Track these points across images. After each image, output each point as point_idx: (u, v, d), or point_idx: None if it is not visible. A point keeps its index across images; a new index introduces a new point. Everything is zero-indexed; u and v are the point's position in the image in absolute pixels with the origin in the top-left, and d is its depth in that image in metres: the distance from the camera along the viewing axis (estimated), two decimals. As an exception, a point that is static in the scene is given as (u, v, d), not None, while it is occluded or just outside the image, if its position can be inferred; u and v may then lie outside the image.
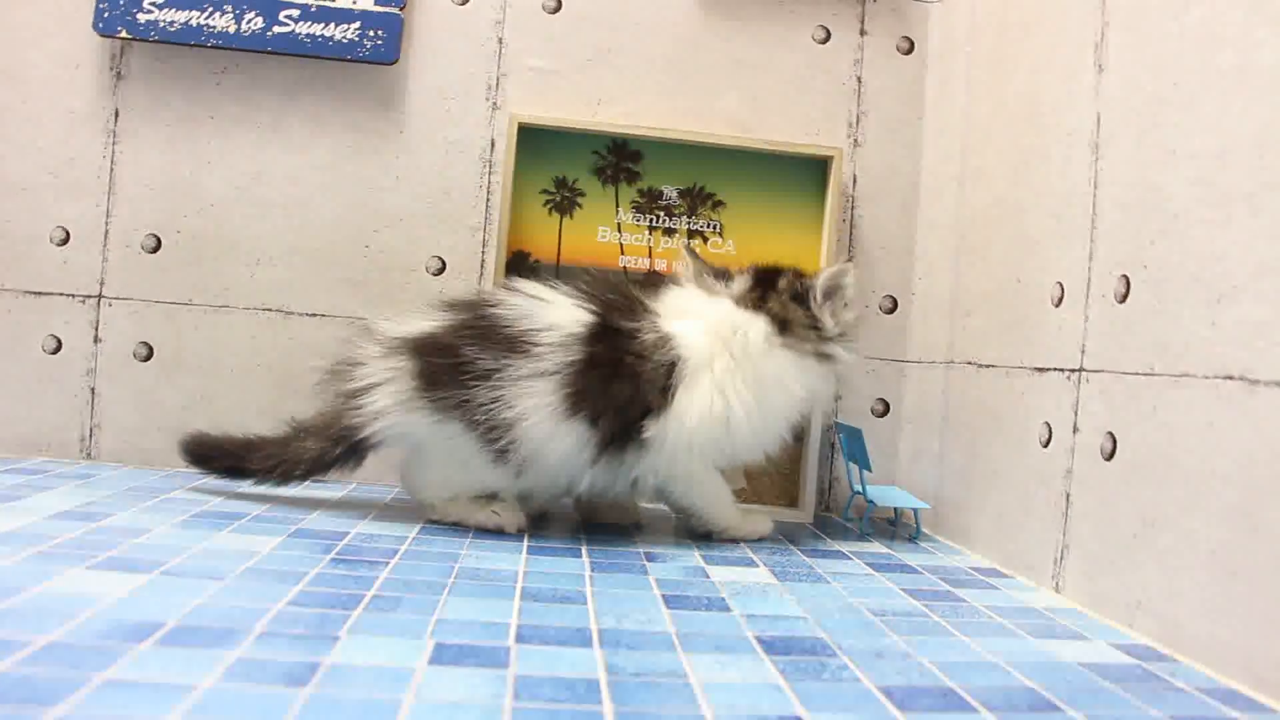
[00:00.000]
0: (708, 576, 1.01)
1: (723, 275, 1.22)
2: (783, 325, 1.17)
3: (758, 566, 1.08)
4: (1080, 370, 1.03)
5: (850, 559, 1.15)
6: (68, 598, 0.78)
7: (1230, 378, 0.81)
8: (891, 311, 1.45)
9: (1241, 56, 0.83)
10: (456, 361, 1.09)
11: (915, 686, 0.73)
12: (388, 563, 0.97)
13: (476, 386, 1.08)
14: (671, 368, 1.11)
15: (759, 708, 0.66)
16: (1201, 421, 0.84)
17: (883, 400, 1.45)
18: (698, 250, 1.36)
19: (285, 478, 1.18)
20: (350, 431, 1.13)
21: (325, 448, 1.15)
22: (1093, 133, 1.04)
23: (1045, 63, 1.16)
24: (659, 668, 0.73)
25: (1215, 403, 0.82)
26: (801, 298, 1.20)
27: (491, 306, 1.13)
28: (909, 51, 1.45)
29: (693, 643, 0.79)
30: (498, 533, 1.13)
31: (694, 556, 1.10)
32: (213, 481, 1.30)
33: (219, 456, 1.23)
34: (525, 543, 1.11)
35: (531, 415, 1.07)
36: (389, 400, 1.11)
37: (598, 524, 1.25)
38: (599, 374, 1.09)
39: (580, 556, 1.06)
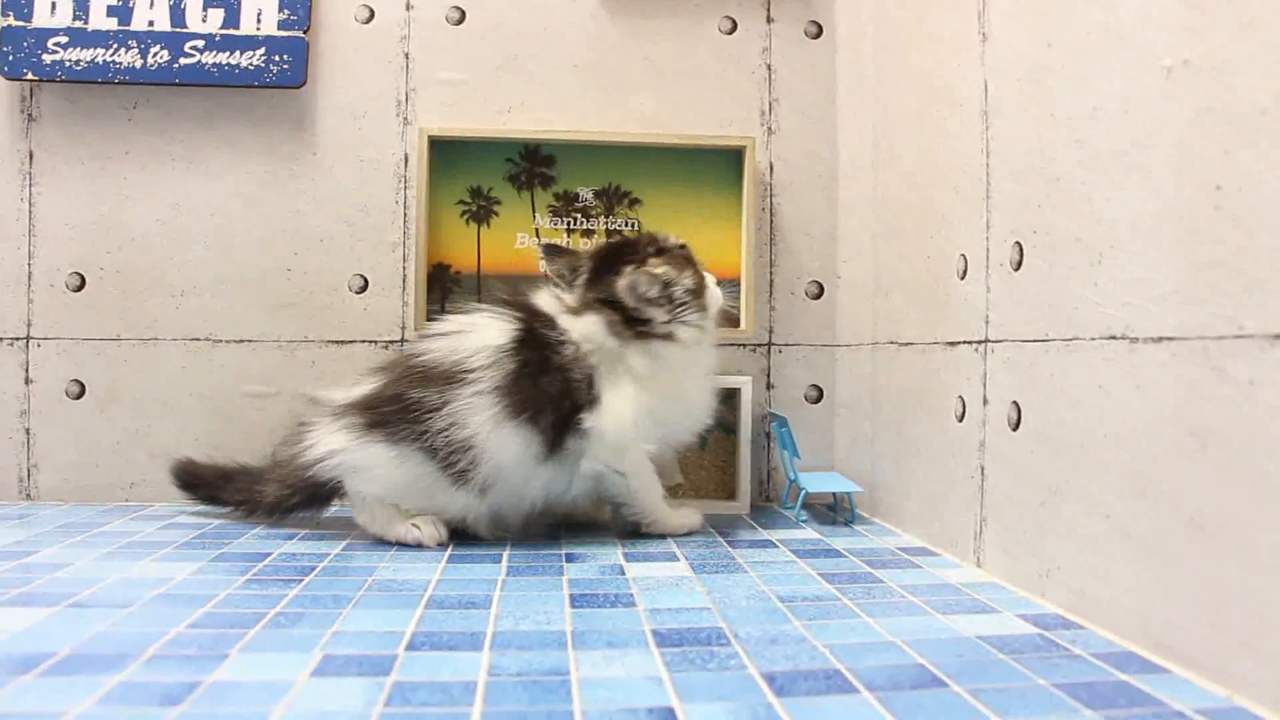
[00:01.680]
0: (624, 574, 1.01)
1: (572, 274, 1.23)
2: (618, 328, 1.17)
3: (678, 560, 1.07)
4: (986, 341, 1.02)
5: (777, 547, 1.15)
6: (-37, 635, 0.78)
7: (1114, 338, 0.80)
8: (818, 297, 1.44)
9: (1106, 14, 0.83)
10: (404, 405, 1.12)
11: (800, 670, 0.72)
12: (302, 580, 0.97)
13: (429, 419, 1.10)
14: (591, 378, 1.15)
15: (633, 701, 0.66)
16: (1092, 384, 0.83)
17: (816, 386, 1.44)
18: (558, 245, 1.37)
19: (250, 514, 1.25)
20: (303, 472, 1.17)
21: (284, 495, 1.20)
22: (982, 101, 1.03)
23: (939, 35, 1.15)
24: (542, 667, 0.72)
25: (1102, 364, 0.82)
26: (614, 302, 1.18)
27: (419, 356, 1.16)
28: (818, 36, 1.44)
29: (586, 640, 0.79)
30: (418, 547, 1.14)
31: (616, 555, 1.10)
32: (150, 512, 1.31)
33: (200, 485, 1.30)
34: (448, 552, 1.10)
35: (482, 429, 1.10)
36: (343, 439, 1.14)
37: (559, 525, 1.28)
38: (530, 377, 1.13)
39: (500, 562, 1.06)
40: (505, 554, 1.10)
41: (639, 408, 1.16)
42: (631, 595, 0.92)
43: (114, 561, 1.04)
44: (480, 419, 1.10)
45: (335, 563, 1.05)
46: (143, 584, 0.95)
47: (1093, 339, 0.83)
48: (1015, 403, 0.96)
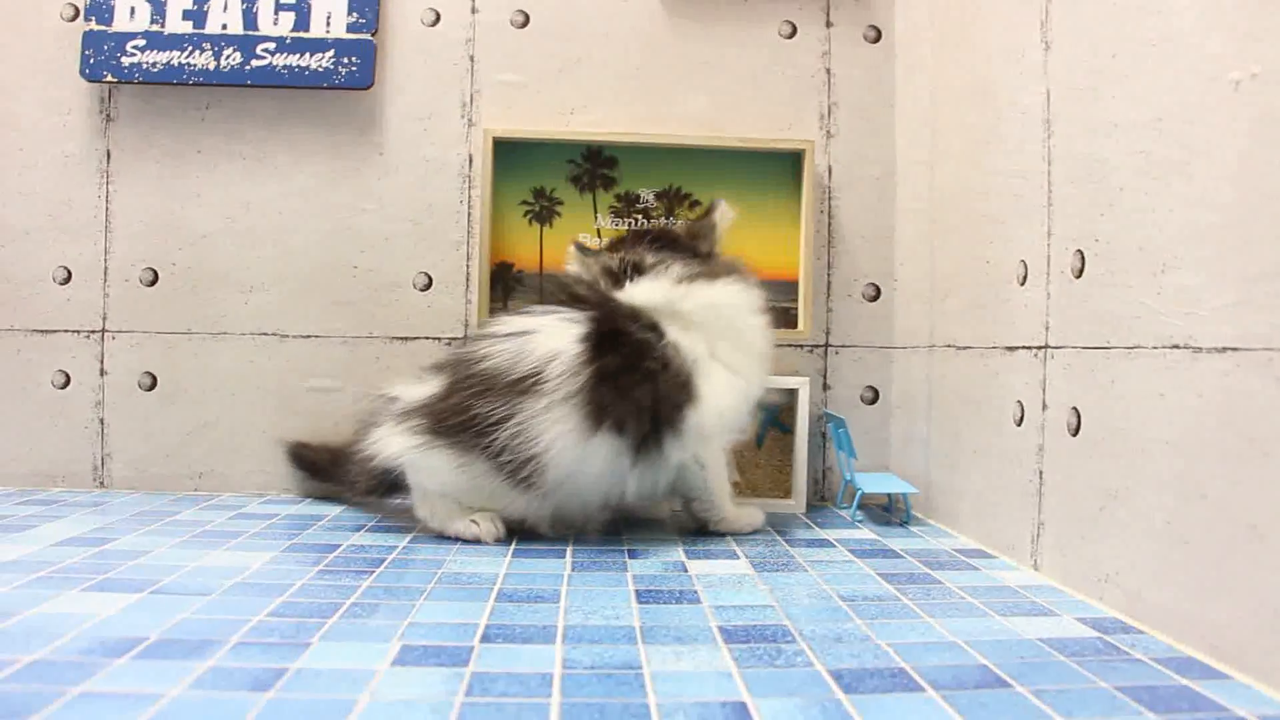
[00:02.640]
0: (686, 570, 1.03)
1: (626, 270, 1.23)
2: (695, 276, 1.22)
3: (739, 559, 1.09)
4: (1045, 347, 1.03)
5: (835, 547, 1.16)
6: (57, 618, 0.82)
7: (1176, 346, 0.82)
8: (875, 299, 1.45)
9: (1168, 25, 0.84)
10: (470, 416, 1.11)
11: (866, 668, 0.74)
12: (373, 571, 1.00)
13: (495, 431, 1.09)
14: (690, 371, 1.15)
15: (704, 695, 0.68)
16: (1153, 392, 0.84)
17: (872, 388, 1.45)
18: (586, 244, 1.36)
19: (351, 493, 1.31)
20: (376, 474, 1.21)
21: (371, 484, 1.25)
22: (1044, 109, 1.04)
23: (999, 42, 1.16)
24: (615, 660, 0.75)
25: (1163, 372, 0.83)
26: (683, 245, 1.26)
27: (483, 360, 1.13)
28: (876, 40, 1.45)
29: (655, 635, 0.81)
30: (476, 542, 1.16)
31: (677, 552, 1.12)
32: (218, 502, 1.35)
33: (308, 467, 1.40)
34: (512, 547, 1.13)
35: (557, 443, 1.09)
36: (407, 441, 1.15)
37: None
38: (614, 385, 1.10)
39: (563, 558, 1.08)
40: (569, 549, 1.12)
41: (736, 393, 1.18)
42: (695, 592, 0.95)
43: (189, 550, 1.08)
44: (556, 431, 1.08)
45: (403, 555, 1.08)
46: (219, 572, 0.98)
47: (1154, 347, 0.84)
48: (1075, 408, 0.97)
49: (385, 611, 0.86)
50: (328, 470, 1.36)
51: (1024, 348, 1.08)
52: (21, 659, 0.72)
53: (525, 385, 1.10)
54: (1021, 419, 1.08)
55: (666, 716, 0.64)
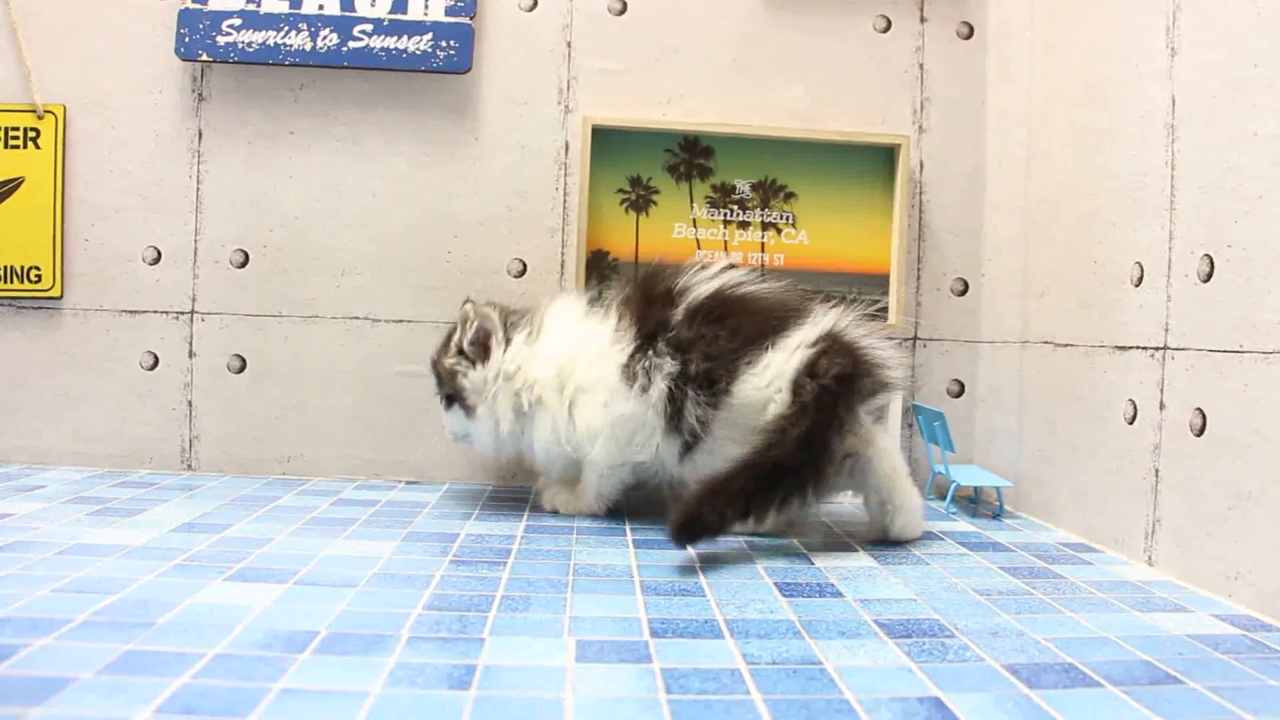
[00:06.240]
0: (813, 563, 1.05)
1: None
2: None
3: (857, 550, 1.11)
4: (1164, 348, 1.05)
5: (942, 539, 1.19)
6: (218, 609, 0.82)
7: (1324, 354, 0.84)
8: (963, 294, 1.47)
9: (1325, 40, 0.85)
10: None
11: (1037, 664, 0.76)
12: (504, 562, 1.01)
13: None
14: None
15: (897, 690, 0.70)
16: (1295, 397, 0.87)
17: (957, 381, 1.48)
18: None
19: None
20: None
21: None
22: (1168, 114, 1.06)
23: (1111, 45, 1.17)
24: (793, 656, 0.76)
25: (1309, 378, 0.85)
26: None
27: (858, 337, 1.17)
28: (969, 36, 1.47)
29: (817, 630, 0.83)
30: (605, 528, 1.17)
31: (793, 542, 1.14)
32: (311, 487, 1.36)
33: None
34: (630, 537, 1.14)
35: None
36: None
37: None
38: None
39: (686, 548, 1.09)
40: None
41: None
42: (834, 585, 0.96)
43: (309, 538, 1.08)
44: None
45: (526, 545, 1.09)
46: (353, 562, 0.99)
47: (1299, 354, 0.86)
48: (1199, 409, 0.99)
49: (539, 605, 0.87)
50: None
51: (1138, 348, 1.10)
52: (207, 652, 0.72)
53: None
54: (1134, 417, 1.10)
55: (871, 712, 0.66)
